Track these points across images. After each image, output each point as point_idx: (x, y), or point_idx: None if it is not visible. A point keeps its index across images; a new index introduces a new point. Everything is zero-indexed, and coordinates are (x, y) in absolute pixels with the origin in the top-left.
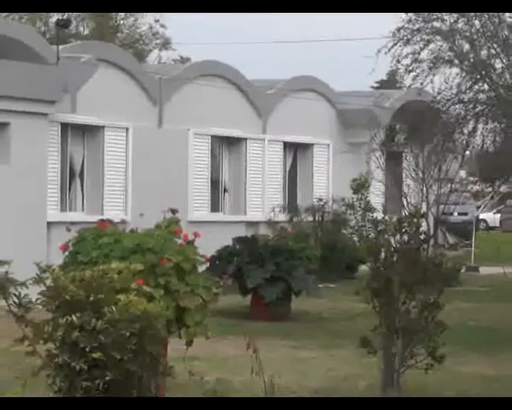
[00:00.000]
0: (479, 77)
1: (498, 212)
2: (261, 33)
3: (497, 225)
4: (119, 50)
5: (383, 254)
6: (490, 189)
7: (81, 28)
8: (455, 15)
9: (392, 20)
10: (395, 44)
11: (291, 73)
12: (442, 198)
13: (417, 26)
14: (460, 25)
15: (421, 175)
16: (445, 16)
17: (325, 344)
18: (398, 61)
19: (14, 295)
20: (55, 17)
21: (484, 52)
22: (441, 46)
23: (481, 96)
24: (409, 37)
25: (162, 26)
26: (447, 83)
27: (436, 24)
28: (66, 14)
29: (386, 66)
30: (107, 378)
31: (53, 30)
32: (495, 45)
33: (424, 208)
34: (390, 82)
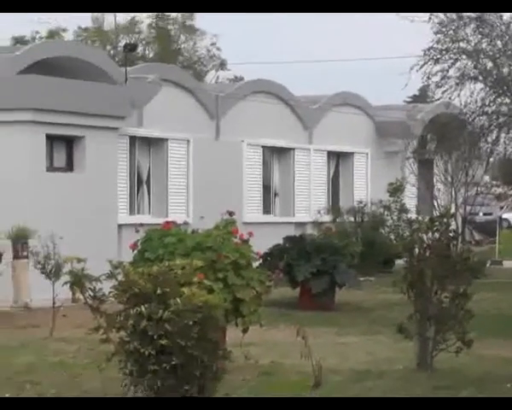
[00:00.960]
0: (501, 91)
1: None
2: (305, 52)
3: None
4: (180, 71)
5: (417, 250)
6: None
7: (146, 51)
8: (479, 36)
9: (423, 41)
10: (426, 63)
11: (333, 89)
12: (469, 200)
13: (445, 46)
14: (484, 45)
15: (450, 179)
16: (470, 37)
17: (365, 331)
18: (429, 78)
19: (90, 289)
20: (123, 42)
21: (505, 69)
22: (467, 64)
23: (503, 109)
24: (438, 56)
25: (218, 49)
26: (472, 97)
27: (462, 44)
28: (133, 38)
29: (418, 82)
30: (173, 363)
31: (121, 53)
32: None
33: (453, 209)
34: (421, 97)
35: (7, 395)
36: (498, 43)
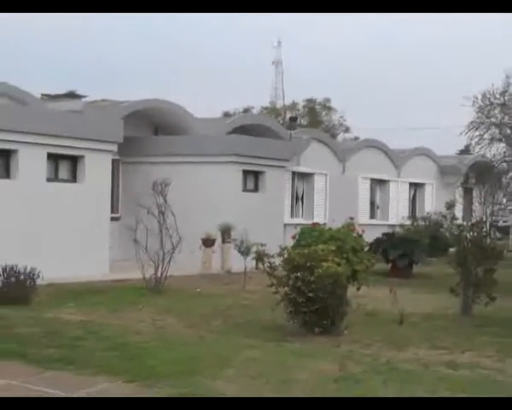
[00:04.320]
0: None
1: None
2: (396, 120)
3: None
4: (322, 133)
5: (463, 243)
6: None
7: (302, 121)
8: (502, 114)
9: (467, 116)
10: (469, 130)
11: (413, 144)
12: (494, 213)
13: (482, 120)
14: (505, 119)
15: (483, 200)
16: (497, 115)
17: (430, 290)
18: (471, 139)
19: (267, 262)
20: (288, 115)
21: None
22: (495, 132)
23: None
24: (477, 126)
25: (344, 120)
26: (498, 151)
27: (492, 119)
28: (294, 113)
29: (464, 141)
30: (316, 307)
31: (287, 122)
32: None
33: (484, 218)
34: (466, 150)
35: (218, 323)
36: None
